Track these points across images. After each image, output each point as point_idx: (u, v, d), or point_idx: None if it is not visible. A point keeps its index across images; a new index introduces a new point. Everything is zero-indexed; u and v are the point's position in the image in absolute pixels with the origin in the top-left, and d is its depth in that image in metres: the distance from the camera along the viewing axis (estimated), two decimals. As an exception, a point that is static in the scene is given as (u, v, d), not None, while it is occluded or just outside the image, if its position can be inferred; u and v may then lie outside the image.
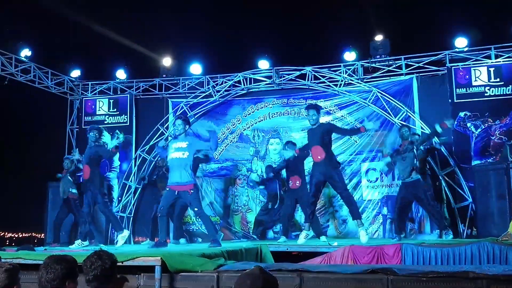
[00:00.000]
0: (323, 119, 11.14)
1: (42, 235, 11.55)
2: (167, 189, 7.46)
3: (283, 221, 9.58)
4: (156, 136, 11.85)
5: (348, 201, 8.10)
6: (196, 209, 7.25)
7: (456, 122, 10.16)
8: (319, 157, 7.90)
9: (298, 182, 9.26)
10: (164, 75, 12.48)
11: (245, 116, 11.92)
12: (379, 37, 11.05)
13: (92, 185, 8.22)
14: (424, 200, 8.42)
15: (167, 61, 12.42)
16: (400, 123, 10.13)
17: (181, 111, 11.98)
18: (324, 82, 11.30)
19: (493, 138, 9.92)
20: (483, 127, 10.00)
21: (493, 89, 10.07)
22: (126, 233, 8.48)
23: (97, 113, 12.53)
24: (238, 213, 11.69)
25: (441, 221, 8.58)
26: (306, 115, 8.33)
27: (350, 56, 11.23)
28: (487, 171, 9.00)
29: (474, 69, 10.25)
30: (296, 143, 9.73)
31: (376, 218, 10.62)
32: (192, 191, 7.18)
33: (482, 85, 10.15)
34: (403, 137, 8.70)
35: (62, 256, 3.22)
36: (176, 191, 7.26)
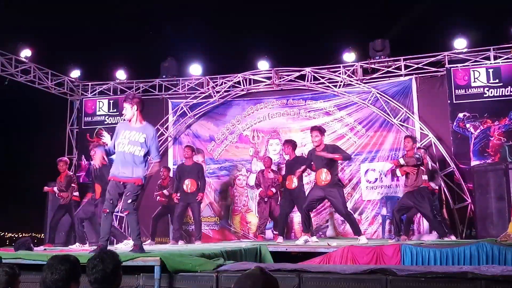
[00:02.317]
0: (323, 119, 11.22)
1: (42, 235, 11.55)
2: (110, 180, 6.16)
3: (280, 220, 9.54)
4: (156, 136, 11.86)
5: (349, 220, 8.08)
6: (130, 201, 6.01)
7: (455, 123, 10.19)
8: (323, 182, 7.84)
9: (294, 182, 9.21)
10: (164, 76, 12.50)
11: (244, 117, 11.94)
12: (378, 38, 11.07)
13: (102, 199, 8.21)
14: (425, 209, 8.19)
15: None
16: (400, 124, 10.13)
17: (181, 111, 12.01)
18: (323, 83, 11.32)
19: (492, 139, 9.95)
20: (482, 128, 10.02)
21: (492, 90, 10.10)
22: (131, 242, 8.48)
23: (97, 114, 12.55)
24: (237, 213, 11.70)
25: (440, 230, 8.48)
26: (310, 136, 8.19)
27: (349, 57, 11.25)
28: (486, 172, 9.00)
29: (473, 70, 10.27)
30: (295, 141, 9.76)
31: (375, 218, 10.64)
32: (139, 186, 6.09)
33: (481, 86, 10.17)
34: (406, 148, 8.63)
35: (65, 256, 3.24)
36: (122, 183, 6.07)
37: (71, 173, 10.09)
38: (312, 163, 8.15)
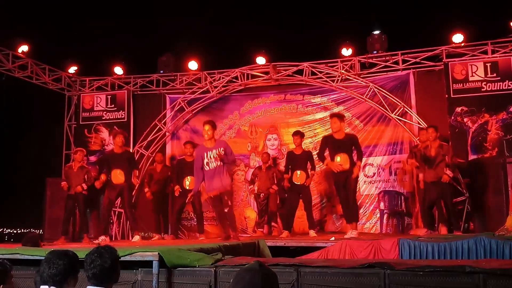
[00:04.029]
0: (321, 114, 11.22)
1: (41, 231, 11.55)
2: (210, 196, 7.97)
3: (287, 216, 9.46)
4: (154, 131, 11.88)
5: (353, 207, 8.30)
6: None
7: (453, 117, 10.18)
8: (342, 167, 8.10)
9: (301, 177, 9.14)
10: (161, 71, 12.47)
11: (242, 112, 11.92)
12: (376, 33, 11.05)
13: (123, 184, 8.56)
14: (445, 201, 8.65)
15: None
16: (397, 119, 10.10)
17: (178, 107, 11.98)
18: (321, 78, 11.30)
19: (489, 133, 9.94)
20: (480, 122, 10.01)
21: (490, 84, 10.08)
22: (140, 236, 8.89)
23: (95, 109, 12.50)
24: (235, 208, 11.68)
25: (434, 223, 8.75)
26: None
27: (347, 51, 11.22)
28: (484, 166, 9.02)
29: (471, 65, 10.25)
30: (304, 133, 9.77)
31: (374, 213, 10.65)
32: (228, 191, 8.08)
33: (478, 80, 10.15)
34: (431, 138, 8.74)
35: (64, 251, 3.23)
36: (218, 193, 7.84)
37: (86, 166, 10.25)
38: (327, 149, 8.37)
